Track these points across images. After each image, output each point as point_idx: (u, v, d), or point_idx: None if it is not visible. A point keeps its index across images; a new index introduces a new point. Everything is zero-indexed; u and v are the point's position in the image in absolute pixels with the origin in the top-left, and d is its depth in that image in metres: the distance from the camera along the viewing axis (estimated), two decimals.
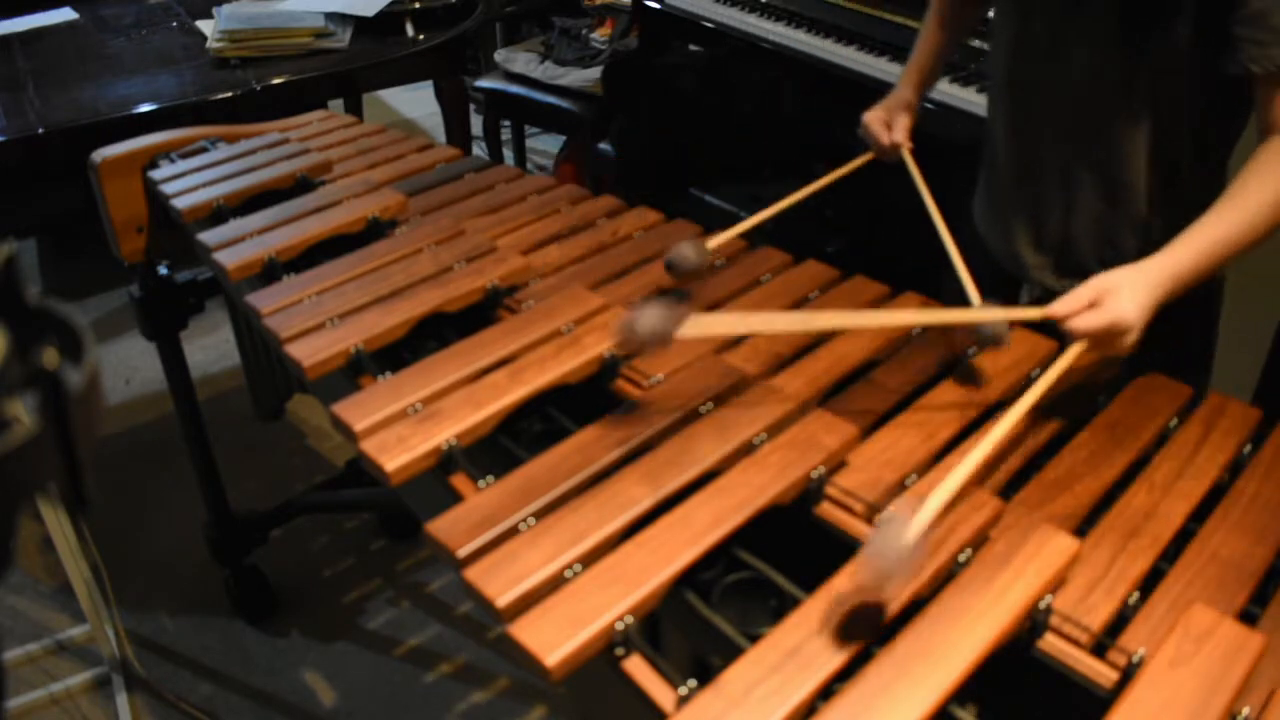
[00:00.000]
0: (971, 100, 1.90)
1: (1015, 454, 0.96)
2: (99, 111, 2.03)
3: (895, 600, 0.74)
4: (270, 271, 1.28)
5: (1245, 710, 0.68)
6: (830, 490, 0.89)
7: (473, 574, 0.78)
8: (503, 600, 0.76)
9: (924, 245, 1.27)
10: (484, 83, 3.18)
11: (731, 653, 0.73)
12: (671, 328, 0.88)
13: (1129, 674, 0.72)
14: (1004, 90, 1.28)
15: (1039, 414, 1.00)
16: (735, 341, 1.12)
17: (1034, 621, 0.76)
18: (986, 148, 1.36)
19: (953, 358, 1.08)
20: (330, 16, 2.33)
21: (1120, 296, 0.95)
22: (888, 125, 1.39)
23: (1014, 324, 1.08)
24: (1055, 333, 1.01)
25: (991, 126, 1.33)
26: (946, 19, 1.41)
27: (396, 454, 0.92)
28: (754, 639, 0.73)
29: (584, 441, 0.92)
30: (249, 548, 2.07)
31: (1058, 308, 0.97)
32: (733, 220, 1.27)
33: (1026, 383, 1.04)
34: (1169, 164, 1.15)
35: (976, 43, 1.93)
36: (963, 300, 1.13)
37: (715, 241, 1.24)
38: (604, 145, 2.79)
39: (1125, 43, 1.11)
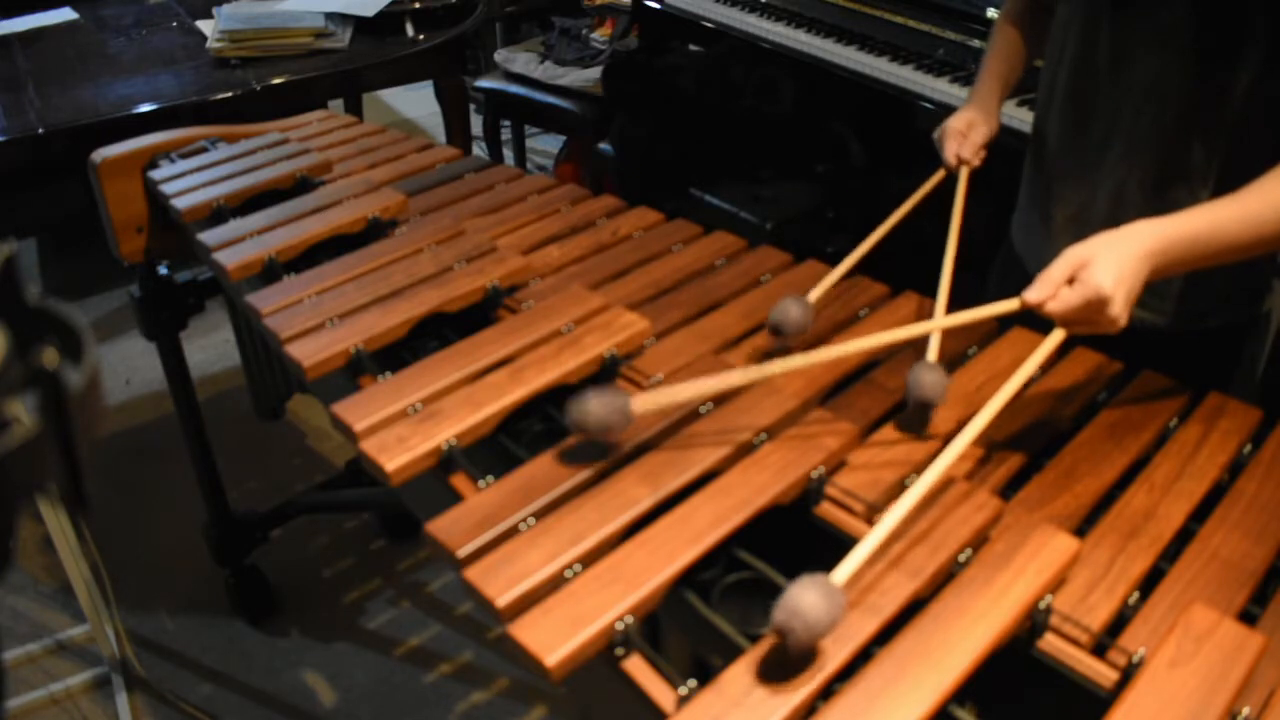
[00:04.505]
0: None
1: (1015, 454, 0.96)
2: (99, 111, 2.02)
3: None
4: (270, 271, 1.28)
5: (1245, 710, 0.68)
6: (830, 490, 0.89)
7: (473, 574, 0.78)
8: (503, 600, 0.76)
9: (924, 245, 1.27)
10: (484, 83, 3.18)
11: (731, 653, 0.73)
12: (619, 419, 0.88)
13: (1129, 674, 0.72)
14: (1061, 106, 1.21)
15: (1039, 414, 1.00)
16: (735, 341, 1.12)
17: (1034, 621, 0.76)
18: (1031, 164, 1.31)
19: (952, 358, 1.08)
20: (330, 16, 2.33)
21: (1095, 268, 0.87)
22: (964, 137, 1.29)
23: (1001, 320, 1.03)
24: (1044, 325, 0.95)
25: (1039, 143, 1.28)
26: (1021, 25, 1.33)
27: (396, 454, 0.92)
28: (754, 639, 0.73)
29: (584, 441, 0.92)
30: (249, 548, 2.07)
31: (1032, 294, 0.90)
32: (732, 220, 1.25)
33: (1028, 382, 1.04)
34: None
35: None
36: (967, 303, 1.12)
37: (817, 293, 1.14)
38: (604, 145, 2.79)
39: (1195, 65, 1.06)
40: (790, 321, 1.07)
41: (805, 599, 0.68)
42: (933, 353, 1.02)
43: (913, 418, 0.98)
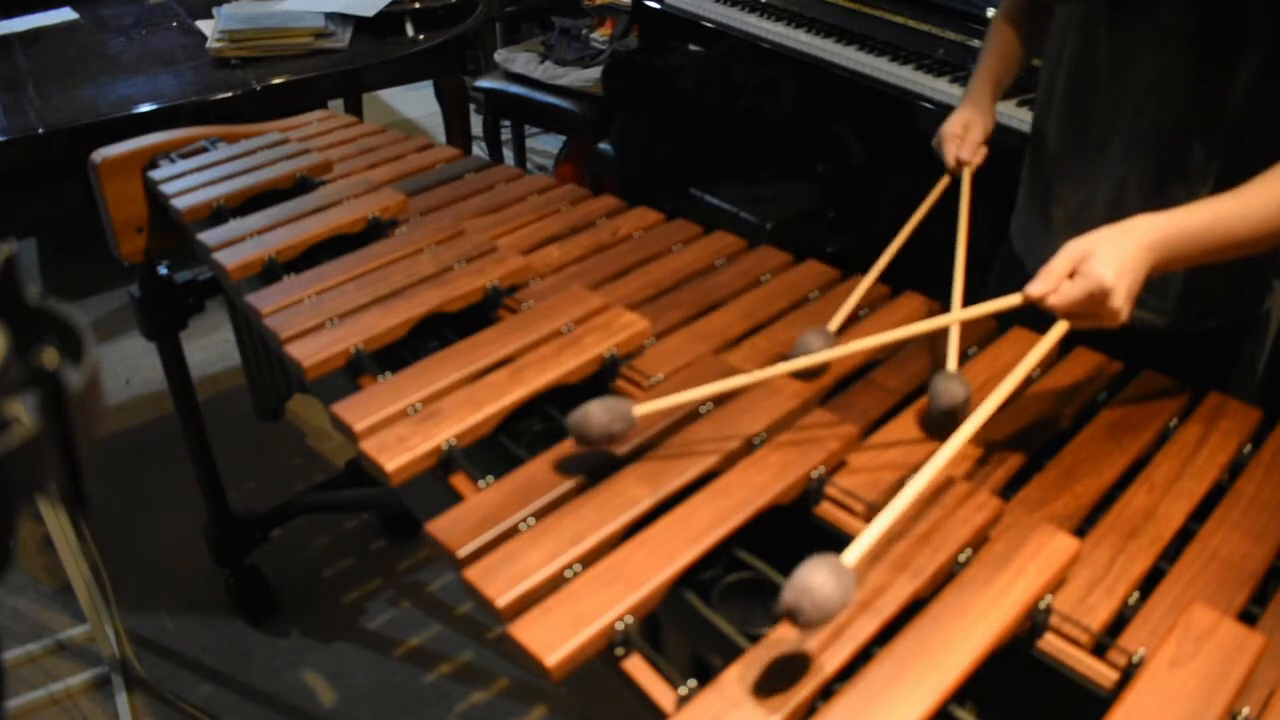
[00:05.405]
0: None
1: (1015, 454, 0.96)
2: (99, 111, 2.02)
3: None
4: (270, 271, 1.28)
5: (1245, 710, 0.68)
6: (830, 490, 0.89)
7: (473, 574, 0.78)
8: (503, 600, 0.76)
9: (924, 246, 1.26)
10: (484, 83, 3.18)
11: (731, 653, 0.73)
12: (621, 425, 0.87)
13: (1129, 674, 0.72)
14: (1060, 106, 1.21)
15: (1039, 414, 1.00)
16: (735, 341, 1.12)
17: (1034, 621, 0.76)
18: (1030, 164, 1.31)
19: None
20: (330, 16, 2.33)
21: (1096, 260, 0.87)
22: (961, 138, 1.28)
23: (999, 315, 1.01)
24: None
25: (1039, 142, 1.27)
26: (1018, 24, 1.33)
27: (396, 454, 0.92)
28: (754, 639, 0.73)
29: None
30: (249, 548, 2.07)
31: (1035, 287, 0.89)
32: (732, 220, 1.25)
33: (1028, 382, 1.04)
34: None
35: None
36: (966, 304, 1.11)
37: (837, 321, 1.11)
38: (604, 145, 2.79)
39: (1195, 65, 1.06)
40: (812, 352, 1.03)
41: (815, 578, 0.66)
42: (952, 360, 1.01)
43: (936, 424, 0.97)
